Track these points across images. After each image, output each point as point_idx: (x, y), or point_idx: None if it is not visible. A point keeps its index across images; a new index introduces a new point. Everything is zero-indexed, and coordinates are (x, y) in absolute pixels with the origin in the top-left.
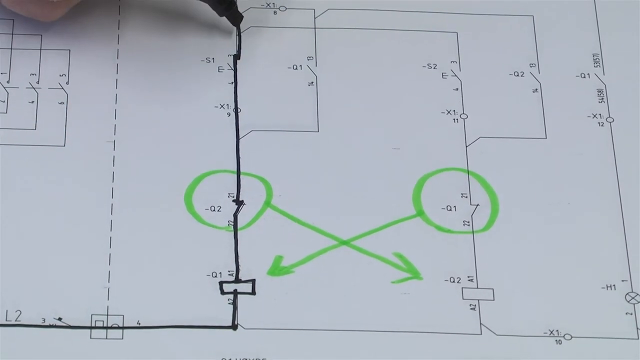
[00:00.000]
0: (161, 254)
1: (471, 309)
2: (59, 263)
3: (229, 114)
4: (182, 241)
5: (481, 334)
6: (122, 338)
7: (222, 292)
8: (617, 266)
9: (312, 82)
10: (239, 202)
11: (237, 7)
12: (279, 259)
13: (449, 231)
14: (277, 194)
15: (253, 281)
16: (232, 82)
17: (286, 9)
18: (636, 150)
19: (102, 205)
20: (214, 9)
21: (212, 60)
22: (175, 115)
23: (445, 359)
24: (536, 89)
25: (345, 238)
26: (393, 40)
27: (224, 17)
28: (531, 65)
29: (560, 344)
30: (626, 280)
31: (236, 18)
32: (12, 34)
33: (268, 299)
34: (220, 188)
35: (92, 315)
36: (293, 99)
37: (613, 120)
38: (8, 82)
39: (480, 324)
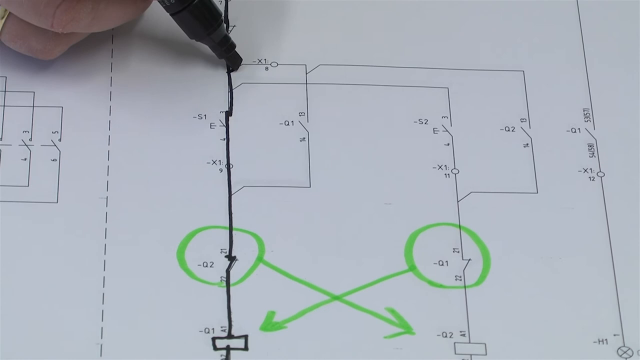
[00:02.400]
0: (154, 310)
1: None
2: (51, 319)
3: (221, 170)
4: (174, 297)
5: None
6: None
7: (215, 348)
8: (609, 320)
9: (303, 138)
10: (231, 258)
11: (236, 50)
12: (271, 314)
13: (441, 286)
14: (270, 250)
15: (246, 337)
16: (224, 139)
17: (278, 64)
18: (627, 205)
19: (94, 261)
20: (214, 51)
21: (204, 117)
22: (167, 172)
23: None
24: (527, 144)
25: (337, 293)
26: (384, 96)
27: (217, 71)
28: (522, 120)
29: None
30: (618, 335)
31: (236, 61)
32: (5, 90)
33: (261, 355)
34: (213, 244)
35: None
36: (285, 154)
37: (604, 175)
38: (1, 139)
39: None
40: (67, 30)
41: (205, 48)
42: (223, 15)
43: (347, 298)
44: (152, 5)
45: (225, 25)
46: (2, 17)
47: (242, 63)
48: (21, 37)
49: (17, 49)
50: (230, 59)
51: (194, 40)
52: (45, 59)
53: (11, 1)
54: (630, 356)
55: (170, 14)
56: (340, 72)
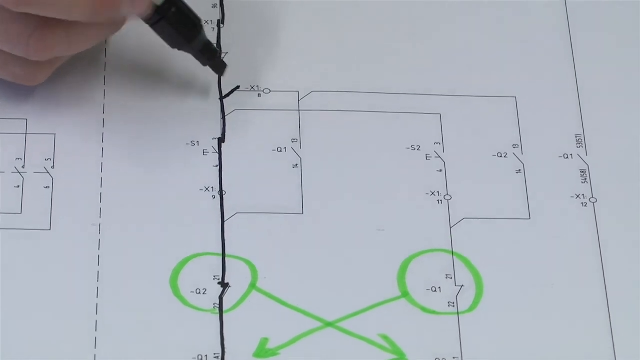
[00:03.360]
0: (147, 337)
1: None
2: (44, 347)
3: (213, 197)
4: (167, 324)
5: None
6: None
7: None
8: (602, 347)
9: (296, 165)
10: (224, 285)
11: (220, 56)
12: (264, 341)
13: (434, 312)
14: (263, 276)
15: None
16: (217, 165)
17: (270, 91)
18: (619, 231)
19: (87, 288)
20: (197, 59)
21: (197, 144)
22: (160, 198)
23: None
24: (519, 170)
25: (330, 319)
26: (377, 122)
27: (210, 97)
28: (514, 146)
29: None
30: None
31: (220, 67)
32: None
33: None
34: (206, 271)
35: None
36: (278, 181)
37: (596, 201)
38: None
39: None
40: (44, 58)
41: (197, 75)
42: (202, 21)
43: (340, 324)
44: (139, 25)
45: (204, 31)
46: None
47: (237, 90)
48: (2, 65)
49: (2, 77)
50: (214, 65)
51: (186, 66)
52: (31, 85)
53: None
54: None
55: (149, 25)
56: (333, 99)
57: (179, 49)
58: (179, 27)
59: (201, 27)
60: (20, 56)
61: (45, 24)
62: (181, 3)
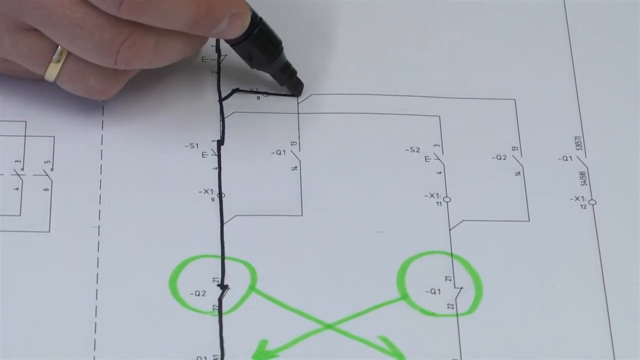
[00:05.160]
0: (146, 338)
1: None
2: (43, 349)
3: (212, 199)
4: (166, 326)
5: None
6: None
7: None
8: (601, 349)
9: (295, 167)
10: (223, 287)
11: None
12: (263, 343)
13: (433, 314)
14: (262, 278)
15: None
16: (216, 168)
17: (269, 94)
18: (619, 233)
19: (87, 290)
20: (275, 78)
21: (196, 146)
22: (159, 201)
23: None
24: (518, 172)
25: (329, 322)
26: (376, 124)
27: (209, 100)
28: (513, 148)
29: None
30: None
31: (297, 87)
32: None
33: None
34: (205, 273)
35: None
36: (277, 183)
37: (595, 203)
38: None
39: None
40: (130, 67)
41: (196, 77)
42: (282, 42)
43: (339, 327)
44: None
45: (283, 52)
46: (59, 61)
47: (236, 92)
48: (79, 77)
49: (73, 90)
50: (291, 85)
51: (186, 69)
52: (100, 99)
53: (75, 41)
54: None
55: (230, 45)
56: (332, 102)
57: (258, 69)
58: (262, 47)
59: (282, 47)
60: (100, 67)
61: (138, 32)
62: (263, 24)
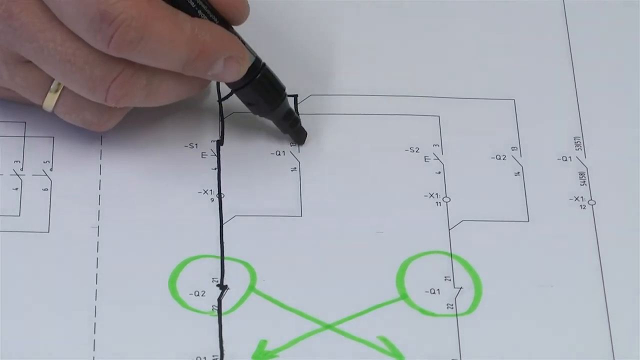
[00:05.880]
0: (146, 338)
1: None
2: (43, 349)
3: (212, 200)
4: (166, 326)
5: None
6: None
7: None
8: (601, 348)
9: (295, 168)
10: (223, 287)
11: (301, 124)
12: (263, 343)
13: (432, 314)
14: (261, 279)
15: None
16: (216, 168)
17: None
18: (618, 233)
19: (86, 290)
20: (278, 125)
21: (195, 146)
22: (158, 201)
23: None
24: (518, 172)
25: (329, 322)
26: (375, 125)
27: (208, 100)
28: (513, 148)
29: None
30: None
31: (301, 135)
32: None
33: None
34: (204, 273)
35: None
36: (276, 184)
37: (595, 203)
38: None
39: None
40: (121, 105)
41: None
42: (286, 89)
43: (339, 327)
44: None
45: (287, 99)
46: (57, 91)
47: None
48: (75, 110)
49: (71, 121)
50: (294, 133)
51: None
52: (98, 131)
53: (66, 76)
54: None
55: (232, 91)
56: (331, 102)
57: (261, 115)
58: (264, 93)
59: (285, 94)
60: (94, 101)
61: (129, 71)
62: (266, 69)
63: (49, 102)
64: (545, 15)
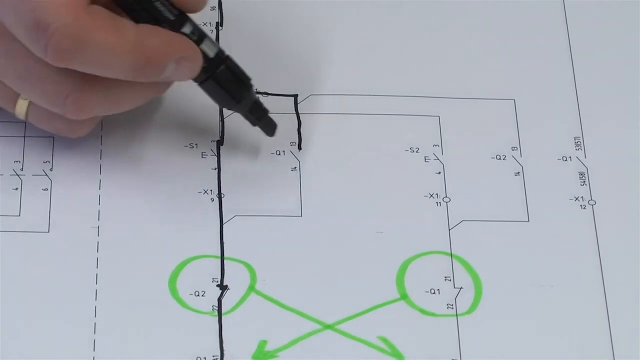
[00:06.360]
0: (146, 338)
1: None
2: (43, 349)
3: (212, 200)
4: (166, 326)
5: None
6: None
7: None
8: (601, 348)
9: (295, 167)
10: (223, 287)
11: (269, 115)
12: (263, 343)
13: (432, 314)
14: (261, 279)
15: None
16: (216, 168)
17: (269, 94)
18: (618, 233)
19: (86, 291)
20: (245, 118)
21: (195, 146)
22: (158, 201)
23: None
24: (518, 172)
25: (329, 322)
26: (375, 125)
27: (208, 100)
28: (513, 148)
29: None
30: None
31: (270, 127)
32: None
33: None
34: (204, 273)
35: None
36: (276, 184)
37: (595, 203)
38: None
39: None
40: (82, 117)
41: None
42: (252, 79)
43: (339, 327)
44: None
45: (253, 89)
46: (26, 99)
47: None
48: (46, 119)
49: (45, 129)
50: (263, 125)
51: None
52: (73, 137)
53: (23, 90)
54: None
55: (197, 84)
56: (331, 102)
57: (227, 108)
58: (227, 86)
59: (250, 85)
60: None
61: (84, 84)
62: (230, 61)
63: (20, 110)
64: (545, 15)
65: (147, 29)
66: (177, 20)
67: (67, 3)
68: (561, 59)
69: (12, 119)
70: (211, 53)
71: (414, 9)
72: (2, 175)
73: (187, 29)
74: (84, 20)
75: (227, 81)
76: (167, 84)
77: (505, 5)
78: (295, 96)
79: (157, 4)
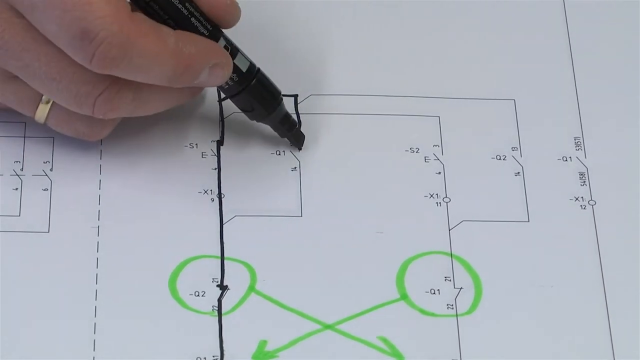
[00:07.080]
0: (146, 339)
1: None
2: (42, 349)
3: (212, 200)
4: (166, 326)
5: None
6: None
7: None
8: (601, 348)
9: (295, 167)
10: (223, 287)
11: (299, 127)
12: (263, 343)
13: (432, 315)
14: (261, 279)
15: None
16: (216, 168)
17: None
18: (618, 233)
19: (86, 290)
20: (275, 130)
21: (195, 146)
22: (158, 201)
23: None
24: (518, 173)
25: (329, 322)
26: (375, 125)
27: (208, 100)
28: (513, 148)
29: None
30: None
31: (299, 139)
32: None
33: None
34: (204, 273)
35: None
36: (276, 184)
37: (595, 203)
38: None
39: None
40: (109, 117)
41: None
42: (281, 93)
43: (339, 327)
44: None
45: (284, 102)
46: (48, 103)
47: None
48: (67, 121)
49: (64, 132)
50: (292, 137)
51: None
52: (92, 141)
53: (52, 93)
54: None
55: (228, 97)
56: (331, 102)
57: (257, 121)
58: (259, 99)
59: (281, 98)
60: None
61: (115, 85)
62: (261, 75)
63: (41, 114)
64: (545, 15)
65: (184, 35)
66: (211, 36)
67: (113, 13)
68: (561, 59)
69: (12, 119)
70: (244, 67)
71: (414, 9)
72: (2, 175)
73: (221, 43)
74: (129, 28)
75: (259, 94)
76: (198, 90)
77: (505, 6)
78: (296, 96)
79: (193, 20)
